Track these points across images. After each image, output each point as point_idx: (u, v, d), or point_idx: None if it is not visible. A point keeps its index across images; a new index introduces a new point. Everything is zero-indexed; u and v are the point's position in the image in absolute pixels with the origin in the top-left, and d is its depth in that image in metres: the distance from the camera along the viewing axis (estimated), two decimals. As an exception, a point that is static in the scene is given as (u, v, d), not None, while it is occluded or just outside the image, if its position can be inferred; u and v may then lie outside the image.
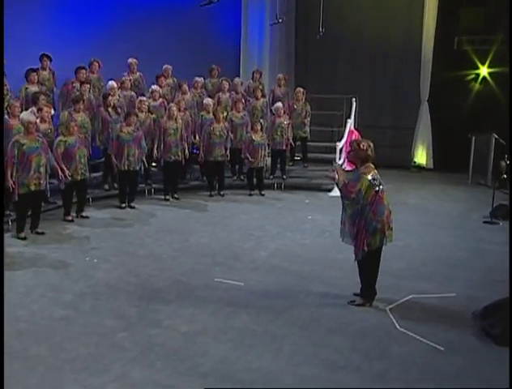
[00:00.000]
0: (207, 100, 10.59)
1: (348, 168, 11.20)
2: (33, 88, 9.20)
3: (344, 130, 11.39)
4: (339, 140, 11.15)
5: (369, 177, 5.38)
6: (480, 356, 4.73)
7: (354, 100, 12.06)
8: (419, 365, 4.57)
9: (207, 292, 5.96)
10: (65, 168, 8.08)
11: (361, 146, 5.47)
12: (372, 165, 5.50)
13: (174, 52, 11.73)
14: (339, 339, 4.97)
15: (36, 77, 9.41)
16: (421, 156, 13.62)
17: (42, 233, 7.75)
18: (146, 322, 5.23)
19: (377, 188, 5.39)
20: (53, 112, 8.62)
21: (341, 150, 11.10)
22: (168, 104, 10.23)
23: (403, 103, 13.65)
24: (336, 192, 10.24)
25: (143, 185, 10.25)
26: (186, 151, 9.96)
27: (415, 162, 13.62)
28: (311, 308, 5.61)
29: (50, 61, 9.83)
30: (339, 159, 11.00)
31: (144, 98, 9.98)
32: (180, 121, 9.85)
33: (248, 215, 9.09)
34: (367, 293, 5.68)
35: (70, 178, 8.14)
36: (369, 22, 13.59)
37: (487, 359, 4.70)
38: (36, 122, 7.54)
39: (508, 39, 11.48)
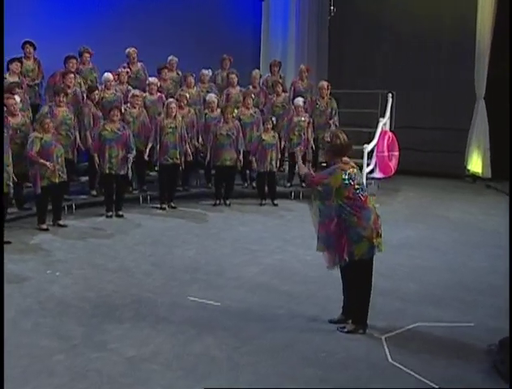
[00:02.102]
0: (210, 97, 10.52)
1: (380, 175, 11.10)
2: (12, 79, 9.33)
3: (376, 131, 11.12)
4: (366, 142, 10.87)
5: (345, 175, 5.18)
6: (477, 398, 4.43)
7: (390, 95, 11.80)
8: (398, 405, 4.31)
9: (173, 311, 5.85)
10: (45, 162, 8.18)
11: (326, 138, 5.28)
12: (351, 162, 5.30)
13: (181, 41, 11.78)
14: (312, 371, 4.75)
15: (18, 67, 9.57)
16: (476, 163, 13.11)
17: (8, 243, 7.79)
18: (89, 344, 5.15)
19: (354, 189, 5.18)
20: (18, 99, 8.66)
21: (370, 154, 10.86)
22: (168, 99, 10.19)
23: (455, 100, 13.20)
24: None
25: (137, 192, 10.30)
26: (189, 152, 9.90)
27: (468, 170, 13.14)
28: (290, 333, 5.41)
29: (34, 49, 10.01)
30: (369, 165, 10.77)
31: (137, 91, 10.00)
32: (180, 119, 9.82)
33: (249, 226, 8.97)
34: (359, 318, 5.44)
35: (52, 169, 8.23)
36: (414, 3, 13.32)
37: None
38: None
39: None
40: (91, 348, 5.08)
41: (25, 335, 5.31)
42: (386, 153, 11.06)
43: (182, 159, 9.86)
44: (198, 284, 6.61)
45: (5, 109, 8.36)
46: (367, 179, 10.55)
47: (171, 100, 9.95)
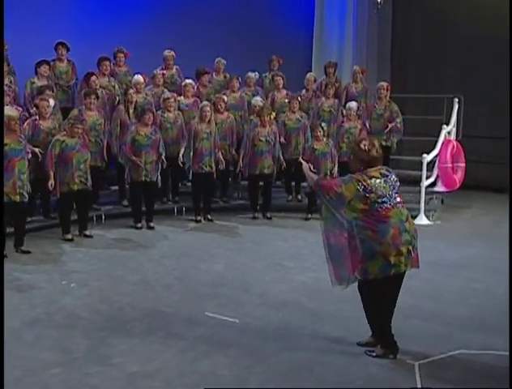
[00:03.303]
0: (256, 100, 10.52)
1: (443, 189, 10.83)
2: (41, 83, 9.62)
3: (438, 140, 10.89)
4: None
5: (359, 186, 5.05)
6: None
7: (457, 100, 11.53)
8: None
9: (188, 327, 5.86)
10: (51, 176, 8.38)
11: (362, 146, 5.18)
12: (374, 172, 5.15)
13: (226, 42, 11.91)
14: (326, 395, 4.66)
15: (47, 70, 9.87)
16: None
17: (28, 252, 8.05)
18: (91, 357, 5.21)
19: (371, 202, 5.06)
20: (52, 103, 8.93)
21: (432, 165, 10.65)
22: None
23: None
24: (423, 219, 9.92)
25: (171, 203, 10.44)
26: (222, 159, 9.91)
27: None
28: (311, 354, 5.32)
29: (67, 50, 10.31)
30: (429, 177, 10.55)
31: (169, 94, 10.14)
32: (214, 124, 9.87)
33: (288, 242, 8.92)
34: (387, 341, 5.30)
35: (51, 188, 8.43)
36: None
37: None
38: (18, 118, 7.91)
39: None
40: (92, 362, 5.13)
41: (25, 346, 5.41)
42: (449, 164, 10.81)
43: (215, 167, 9.89)
44: (219, 299, 6.61)
45: (37, 111, 8.72)
46: (426, 193, 10.38)
47: (205, 103, 9.96)
